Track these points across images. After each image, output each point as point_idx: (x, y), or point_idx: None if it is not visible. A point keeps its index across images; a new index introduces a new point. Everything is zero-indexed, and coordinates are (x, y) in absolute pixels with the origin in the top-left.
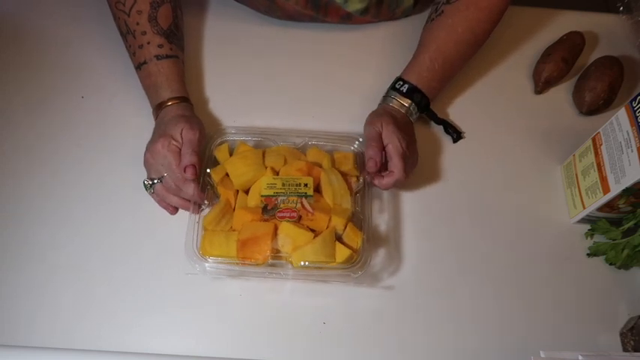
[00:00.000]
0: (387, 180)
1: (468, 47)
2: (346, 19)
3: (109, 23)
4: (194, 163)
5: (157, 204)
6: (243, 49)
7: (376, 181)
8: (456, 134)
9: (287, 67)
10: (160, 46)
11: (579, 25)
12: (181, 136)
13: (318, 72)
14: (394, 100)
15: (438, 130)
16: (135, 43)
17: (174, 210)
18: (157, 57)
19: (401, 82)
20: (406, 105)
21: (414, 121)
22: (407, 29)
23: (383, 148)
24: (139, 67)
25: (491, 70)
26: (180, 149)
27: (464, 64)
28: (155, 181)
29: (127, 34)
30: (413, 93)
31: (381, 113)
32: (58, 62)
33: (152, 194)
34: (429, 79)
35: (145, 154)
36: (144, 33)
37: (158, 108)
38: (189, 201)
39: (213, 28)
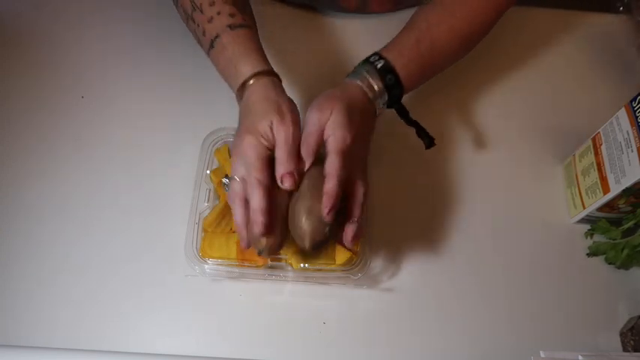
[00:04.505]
0: (348, 232)
1: (462, 38)
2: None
3: (110, 23)
4: (291, 171)
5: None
6: None
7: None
8: (428, 139)
9: (287, 67)
10: (232, 15)
11: (579, 25)
12: (272, 132)
13: (319, 72)
14: (364, 79)
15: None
16: (203, 18)
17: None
18: (230, 27)
19: (377, 57)
20: (376, 88)
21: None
22: None
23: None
24: (211, 45)
25: (490, 70)
26: (270, 150)
27: (452, 59)
28: (229, 180)
29: (192, 12)
30: (387, 73)
31: (337, 96)
32: (59, 62)
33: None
34: (410, 60)
35: (232, 146)
36: (212, 4)
37: (241, 89)
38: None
39: None
